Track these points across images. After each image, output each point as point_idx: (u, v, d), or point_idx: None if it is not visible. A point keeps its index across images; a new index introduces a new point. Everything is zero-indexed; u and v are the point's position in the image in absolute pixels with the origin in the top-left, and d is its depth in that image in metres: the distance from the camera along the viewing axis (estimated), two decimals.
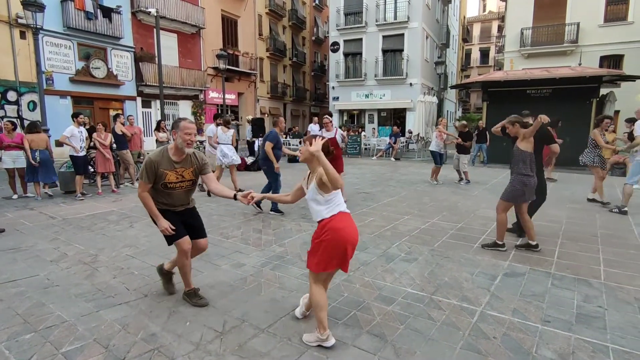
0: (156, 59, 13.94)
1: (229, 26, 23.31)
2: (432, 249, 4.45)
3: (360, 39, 22.91)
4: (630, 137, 8.72)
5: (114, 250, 4.42)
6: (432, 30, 24.38)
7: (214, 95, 22.11)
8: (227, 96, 20.51)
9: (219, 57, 14.52)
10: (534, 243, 4.33)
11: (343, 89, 23.74)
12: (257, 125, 13.54)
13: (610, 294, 3.26)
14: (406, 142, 18.68)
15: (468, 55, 46.22)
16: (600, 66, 17.52)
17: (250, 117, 16.89)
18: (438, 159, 9.33)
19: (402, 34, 21.76)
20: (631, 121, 8.65)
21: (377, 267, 3.86)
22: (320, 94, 35.02)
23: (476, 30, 47.06)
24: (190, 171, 2.94)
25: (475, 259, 4.10)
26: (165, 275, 3.32)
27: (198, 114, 21.29)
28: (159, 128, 10.48)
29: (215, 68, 20.35)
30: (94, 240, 4.81)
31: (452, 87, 18.58)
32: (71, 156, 7.53)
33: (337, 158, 6.94)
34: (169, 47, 18.60)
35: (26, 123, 14.13)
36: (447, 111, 31.40)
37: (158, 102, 14.79)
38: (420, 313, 2.93)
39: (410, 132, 19.20)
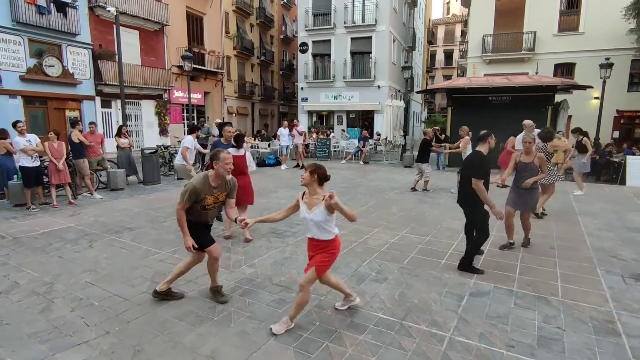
0: (116, 56, 13.28)
1: (195, 23, 22.61)
2: (402, 266, 4.52)
3: (329, 41, 22.91)
4: (579, 145, 9.29)
5: (72, 276, 4.17)
6: (399, 33, 24.80)
7: (179, 95, 21.40)
8: (192, 96, 19.88)
9: (183, 58, 14.02)
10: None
11: (312, 90, 23.68)
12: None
13: (568, 313, 3.44)
14: (374, 144, 18.94)
15: (433, 56, 47.45)
16: (555, 73, 18.50)
17: (218, 121, 16.51)
18: None
19: (370, 37, 21.97)
20: (576, 132, 9.26)
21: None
22: (289, 93, 34.78)
23: (440, 32, 48.35)
24: (224, 194, 3.46)
25: (443, 277, 4.20)
26: (164, 294, 3.57)
27: (162, 114, 20.54)
28: (120, 134, 10.04)
29: (180, 67, 19.66)
30: (50, 264, 4.51)
31: (419, 92, 19.01)
32: (20, 167, 7.06)
33: (244, 186, 5.52)
34: (130, 44, 17.78)
35: None
36: (414, 112, 32.10)
37: (119, 101, 14.11)
38: (392, 342, 2.96)
39: (379, 135, 19.49)
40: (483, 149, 4.34)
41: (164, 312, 3.39)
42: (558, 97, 13.72)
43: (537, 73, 16.84)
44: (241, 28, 27.40)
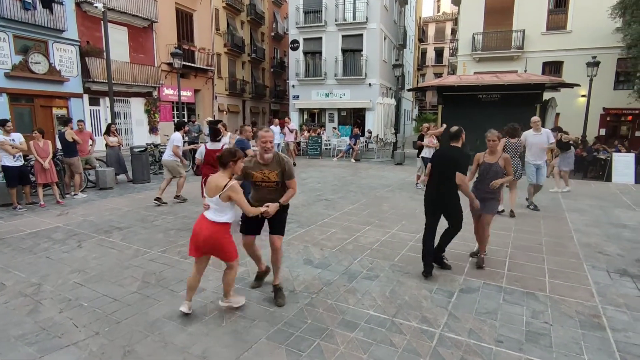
0: (104, 53, 13.09)
1: (184, 20, 22.39)
2: (393, 264, 4.55)
3: (320, 38, 22.88)
4: (559, 143, 9.38)
5: (60, 277, 4.11)
6: (390, 31, 24.86)
7: (168, 92, 21.20)
8: (183, 93, 19.76)
9: (173, 55, 13.88)
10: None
11: (303, 88, 23.64)
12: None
13: (555, 308, 3.50)
14: (366, 142, 19.00)
15: (424, 54, 47.67)
16: (543, 71, 18.72)
17: (209, 119, 16.38)
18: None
19: (361, 35, 21.99)
20: (556, 130, 9.39)
21: (340, 287, 3.89)
22: (280, 91, 34.70)
23: (431, 30, 48.59)
24: (275, 173, 3.40)
25: (433, 274, 4.23)
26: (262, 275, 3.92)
27: (152, 112, 20.32)
28: (108, 132, 9.93)
29: (169, 64, 19.47)
30: (37, 265, 4.45)
31: (410, 90, 19.10)
32: (2, 166, 6.94)
33: None
34: (118, 41, 17.53)
35: None
36: (405, 110, 32.25)
37: (107, 99, 13.91)
38: (383, 339, 2.98)
39: (370, 132, 19.55)
40: (459, 144, 4.22)
41: (155, 312, 3.37)
42: (546, 95, 13.87)
43: (525, 71, 17.02)
44: (231, 25, 27.21)
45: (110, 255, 4.76)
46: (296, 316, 3.31)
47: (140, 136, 19.12)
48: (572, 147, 9.29)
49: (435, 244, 4.34)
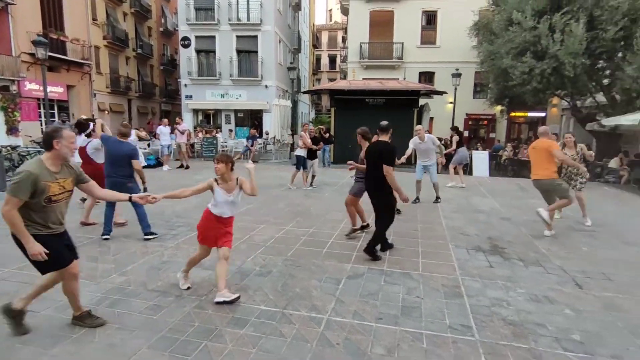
0: None
1: (51, 5, 19.43)
2: (286, 259, 4.63)
3: (214, 37, 22.15)
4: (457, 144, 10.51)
5: None
6: (285, 35, 25.29)
7: (32, 87, 18.16)
8: (51, 89, 17.24)
9: (35, 43, 11.96)
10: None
11: (196, 87, 22.58)
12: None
13: (426, 284, 3.97)
14: (264, 143, 18.97)
15: (318, 60, 49.62)
16: (419, 81, 21.15)
17: (84, 117, 14.49)
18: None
19: (256, 36, 21.95)
20: (454, 130, 10.69)
21: (232, 287, 3.80)
22: (172, 90, 32.56)
23: (324, 37, 50.85)
24: (70, 181, 2.84)
25: (323, 265, 4.45)
26: (17, 316, 2.90)
27: (10, 110, 17.13)
28: None
29: (32, 54, 16.67)
30: None
31: (304, 92, 19.73)
32: None
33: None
34: None
35: None
36: (302, 112, 33.11)
37: None
38: (272, 331, 3.01)
39: (267, 134, 19.60)
40: (386, 138, 4.76)
41: (4, 339, 2.86)
42: (422, 101, 15.69)
43: (405, 79, 19.01)
44: (112, 16, 24.59)
45: None
46: (182, 321, 3.15)
47: None
48: (464, 145, 10.48)
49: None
